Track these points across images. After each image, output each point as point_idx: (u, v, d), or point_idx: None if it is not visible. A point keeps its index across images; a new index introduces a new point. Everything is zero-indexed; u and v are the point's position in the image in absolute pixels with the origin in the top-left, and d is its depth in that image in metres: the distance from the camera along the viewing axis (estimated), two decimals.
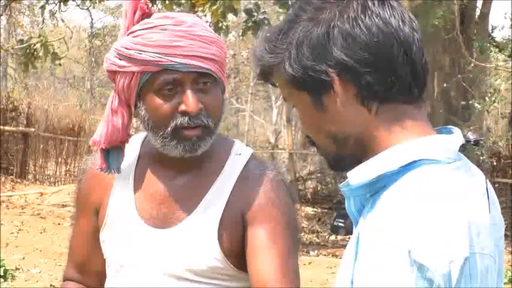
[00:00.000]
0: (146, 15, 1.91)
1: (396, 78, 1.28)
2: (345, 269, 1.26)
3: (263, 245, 1.86)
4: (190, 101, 1.84)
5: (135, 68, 1.85)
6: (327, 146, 1.35)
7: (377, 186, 1.27)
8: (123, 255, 1.97)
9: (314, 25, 1.29)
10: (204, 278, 1.91)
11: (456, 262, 1.17)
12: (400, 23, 1.29)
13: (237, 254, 1.90)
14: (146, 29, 1.86)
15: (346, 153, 1.33)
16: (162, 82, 1.85)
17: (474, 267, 1.20)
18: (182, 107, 1.85)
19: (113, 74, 1.90)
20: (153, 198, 1.96)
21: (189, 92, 1.85)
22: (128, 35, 1.89)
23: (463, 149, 1.33)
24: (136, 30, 1.87)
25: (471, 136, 1.38)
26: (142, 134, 2.03)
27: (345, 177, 1.31)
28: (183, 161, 1.92)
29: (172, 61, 1.83)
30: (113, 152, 1.97)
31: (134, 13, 1.90)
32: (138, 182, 1.99)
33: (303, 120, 1.36)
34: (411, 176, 1.24)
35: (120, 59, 1.87)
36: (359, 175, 1.28)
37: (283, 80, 1.33)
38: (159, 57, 1.83)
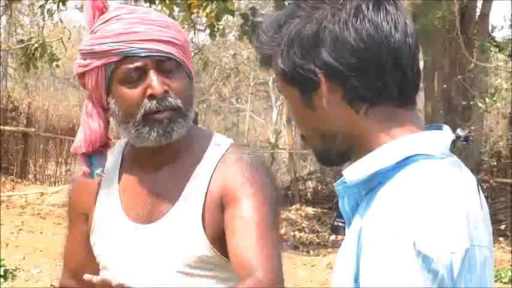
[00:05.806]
0: (104, 13, 1.95)
1: (383, 84, 1.28)
2: (344, 266, 1.26)
3: (240, 222, 1.87)
4: (154, 83, 1.87)
5: (98, 62, 1.89)
6: (315, 142, 1.36)
7: (372, 184, 1.28)
8: (113, 256, 1.99)
9: (306, 23, 1.29)
10: (194, 268, 1.92)
11: (458, 253, 1.19)
12: (392, 29, 1.28)
13: (222, 241, 1.90)
14: (103, 23, 1.91)
15: (334, 149, 1.34)
16: (125, 70, 1.88)
17: (473, 259, 1.22)
18: (148, 91, 1.88)
19: (82, 78, 1.94)
20: (138, 196, 1.98)
21: (152, 75, 1.88)
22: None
23: (453, 145, 1.33)
24: (95, 27, 1.92)
25: (461, 132, 1.36)
26: (125, 140, 2.06)
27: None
28: (163, 154, 1.94)
29: (131, 47, 1.87)
30: (95, 156, 1.99)
31: (94, 15, 1.95)
32: (122, 183, 2.02)
33: (292, 114, 1.37)
34: (409, 171, 1.25)
35: (85, 59, 1.91)
36: (355, 172, 1.29)
37: (276, 72, 1.34)
38: (118, 45, 1.87)
